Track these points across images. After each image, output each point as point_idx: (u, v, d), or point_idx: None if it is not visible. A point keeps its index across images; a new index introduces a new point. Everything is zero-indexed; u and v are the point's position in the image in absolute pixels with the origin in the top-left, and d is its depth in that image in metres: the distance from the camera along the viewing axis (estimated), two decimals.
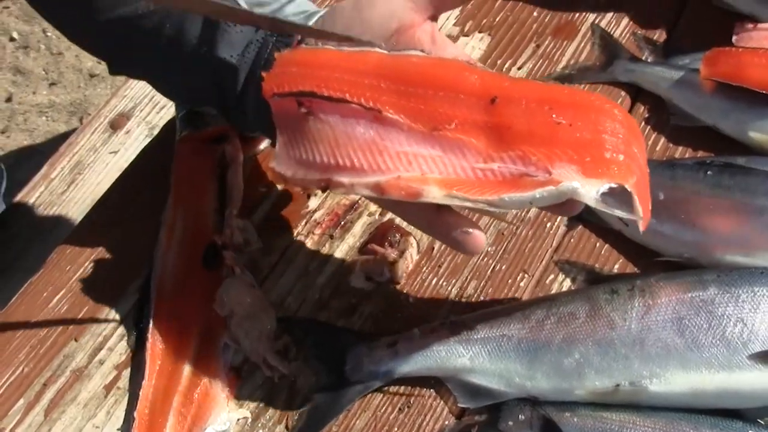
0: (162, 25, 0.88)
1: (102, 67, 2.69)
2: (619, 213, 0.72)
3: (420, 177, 0.73)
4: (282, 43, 0.85)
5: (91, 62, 2.73)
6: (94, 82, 2.66)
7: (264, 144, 1.10)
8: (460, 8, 1.23)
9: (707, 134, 1.09)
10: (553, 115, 0.73)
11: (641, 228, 0.74)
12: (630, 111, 1.13)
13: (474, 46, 1.19)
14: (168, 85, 0.96)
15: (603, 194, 0.71)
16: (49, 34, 2.76)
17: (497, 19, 1.21)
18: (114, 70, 0.99)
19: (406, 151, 0.74)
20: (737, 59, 1.11)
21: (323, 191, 0.81)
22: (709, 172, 1.01)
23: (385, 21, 0.81)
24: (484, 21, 1.21)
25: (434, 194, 0.73)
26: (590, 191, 0.71)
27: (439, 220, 0.78)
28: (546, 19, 1.22)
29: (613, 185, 0.71)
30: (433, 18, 0.84)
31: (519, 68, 1.17)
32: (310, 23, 0.84)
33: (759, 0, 1.19)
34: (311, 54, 0.79)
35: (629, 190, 0.71)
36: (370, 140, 0.75)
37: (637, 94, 1.14)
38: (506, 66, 1.17)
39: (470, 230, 0.77)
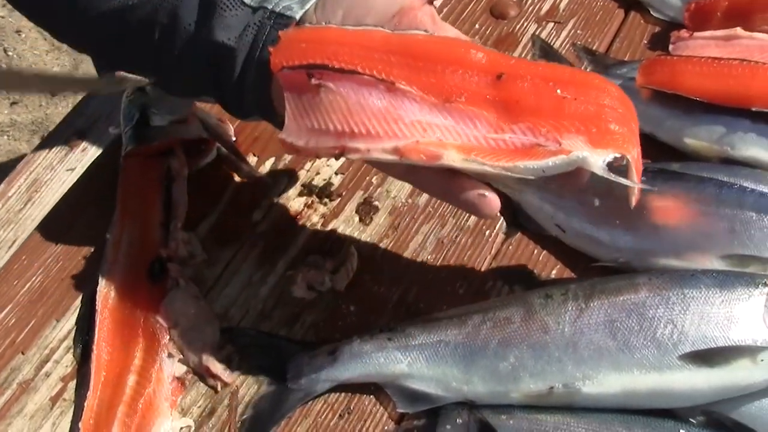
0: (155, 14, 0.88)
1: None
2: (622, 181, 0.77)
3: (438, 142, 0.77)
4: (281, 24, 0.85)
5: None
6: (56, 101, 2.68)
7: (209, 158, 1.13)
8: None
9: (644, 142, 1.10)
10: (558, 90, 0.77)
11: (633, 203, 0.81)
12: None
13: None
14: (162, 75, 0.95)
15: (609, 163, 0.76)
16: (10, 53, 2.78)
17: None
18: (104, 65, 0.98)
19: (420, 120, 0.77)
20: (672, 67, 1.14)
21: (337, 158, 0.82)
22: (643, 178, 1.04)
23: (387, 3, 0.83)
24: None
25: (453, 158, 0.76)
26: (598, 160, 0.75)
27: (455, 184, 0.80)
28: (488, 31, 1.26)
29: (617, 155, 0.76)
30: (430, 1, 0.86)
31: None
32: (309, 4, 0.86)
33: None
34: (318, 31, 0.81)
35: (630, 160, 0.76)
36: (384, 109, 0.78)
37: None
38: None
39: (486, 193, 0.80)
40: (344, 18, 0.82)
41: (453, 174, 0.80)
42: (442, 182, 0.81)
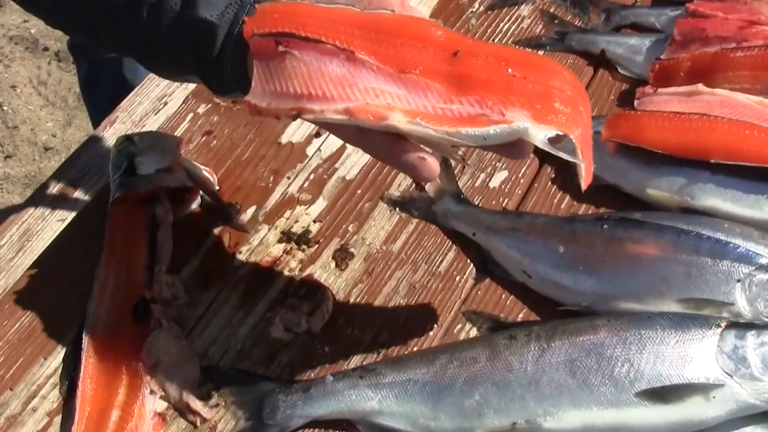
0: None
1: (56, 140, 2.79)
2: (565, 156, 0.83)
3: (387, 105, 0.83)
4: (260, 3, 0.91)
5: (46, 136, 2.83)
6: (49, 155, 2.76)
7: (193, 205, 1.20)
8: None
9: (609, 193, 1.20)
10: (509, 69, 0.84)
11: (583, 185, 0.86)
12: (537, 172, 1.24)
13: None
14: (148, 54, 1.01)
15: (550, 138, 0.82)
16: (5, 108, 2.86)
17: None
18: (92, 45, 1.02)
19: (374, 87, 0.84)
20: (636, 122, 1.22)
21: (294, 119, 0.88)
22: (605, 226, 1.11)
23: None
24: None
25: (398, 119, 0.82)
26: (539, 134, 0.82)
27: (398, 147, 0.86)
28: None
29: (559, 132, 0.82)
30: None
31: None
32: None
33: None
34: (291, 5, 0.88)
35: (572, 139, 0.82)
36: (341, 75, 0.84)
37: (545, 156, 1.25)
38: None
39: (426, 156, 0.85)
40: None
41: (398, 138, 0.85)
42: (387, 145, 0.86)
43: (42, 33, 3.07)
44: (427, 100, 0.84)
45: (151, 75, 1.42)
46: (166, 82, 1.39)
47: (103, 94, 2.17)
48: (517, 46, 1.38)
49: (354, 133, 0.87)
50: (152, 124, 1.33)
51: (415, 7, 0.94)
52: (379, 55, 0.84)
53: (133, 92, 1.40)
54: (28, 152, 2.77)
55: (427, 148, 0.86)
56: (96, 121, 2.19)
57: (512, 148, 0.84)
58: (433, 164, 0.86)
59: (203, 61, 0.94)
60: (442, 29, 0.86)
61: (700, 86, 1.26)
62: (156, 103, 1.37)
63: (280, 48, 0.85)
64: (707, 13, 1.37)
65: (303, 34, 0.85)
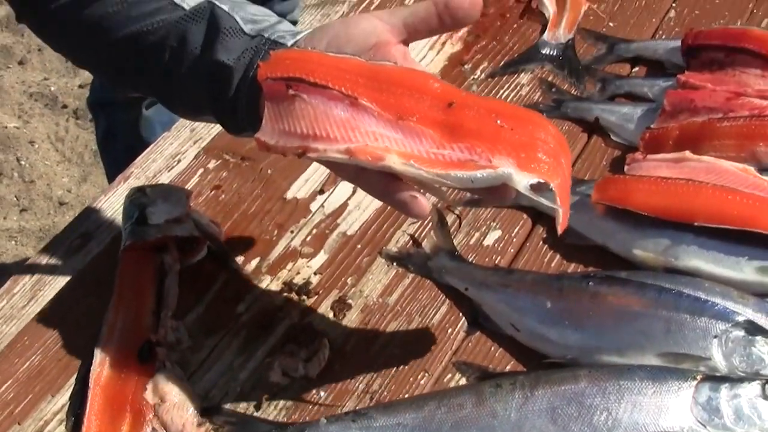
0: (166, 38, 1.04)
1: (71, 196, 2.88)
2: (544, 202, 0.91)
3: (384, 147, 0.92)
4: (274, 49, 1.01)
5: (61, 191, 2.92)
6: (64, 210, 2.85)
7: (200, 255, 1.27)
8: None
9: (597, 253, 1.27)
10: (498, 121, 0.92)
11: (559, 230, 0.94)
12: (530, 232, 1.31)
13: None
14: (167, 94, 1.10)
15: (533, 185, 0.90)
16: (22, 162, 2.96)
17: None
18: (117, 86, 1.11)
19: (374, 131, 0.92)
20: (624, 185, 1.29)
21: (299, 156, 0.95)
22: (591, 283, 1.18)
23: (366, 36, 0.99)
24: None
25: (394, 160, 0.91)
26: (522, 180, 0.90)
27: (393, 186, 0.93)
28: None
29: (541, 180, 0.90)
30: (405, 42, 1.02)
31: None
32: (300, 36, 1.03)
33: None
34: (302, 53, 0.98)
35: (552, 187, 0.90)
36: (345, 119, 0.93)
37: (538, 217, 1.32)
38: None
39: (417, 195, 0.93)
40: (328, 45, 0.99)
41: (394, 178, 0.93)
42: (383, 184, 0.94)
43: (61, 90, 3.18)
44: (422, 145, 0.92)
45: (166, 134, 1.50)
46: (181, 140, 1.47)
47: (119, 150, 2.27)
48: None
49: (353, 171, 0.96)
50: (165, 181, 1.41)
51: (415, 59, 1.02)
52: (380, 102, 0.93)
53: (148, 149, 1.48)
54: (43, 206, 2.86)
55: (419, 189, 0.94)
56: (111, 177, 2.27)
57: (497, 192, 0.93)
58: (423, 203, 0.93)
59: (219, 102, 1.03)
60: (439, 81, 0.95)
61: (688, 153, 1.33)
62: (169, 160, 1.45)
63: (290, 91, 0.94)
64: (697, 85, 1.44)
65: (312, 80, 0.94)
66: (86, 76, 3.18)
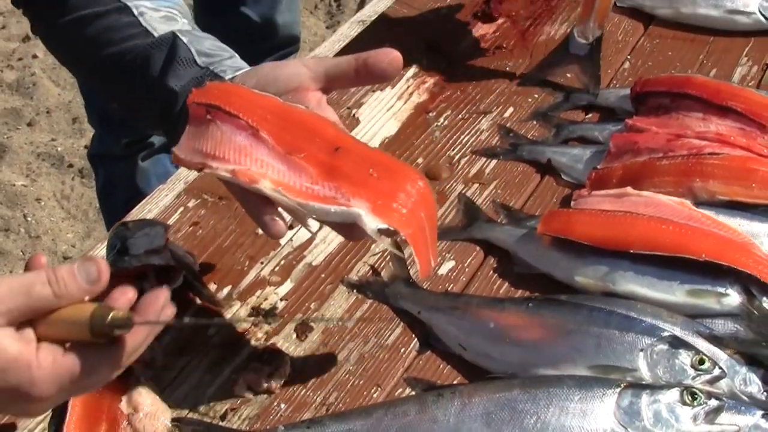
0: (136, 60, 1.23)
1: (75, 251, 3.02)
2: (389, 248, 1.09)
3: (261, 173, 1.06)
4: (215, 78, 1.19)
5: (65, 246, 3.06)
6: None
7: (176, 283, 1.40)
8: None
9: (543, 280, 1.39)
10: (370, 170, 1.06)
11: (420, 275, 1.11)
12: (482, 263, 1.43)
13: None
14: (130, 106, 1.33)
15: (381, 230, 1.03)
16: (29, 219, 3.11)
17: None
18: (101, 97, 1.44)
19: (263, 159, 1.08)
20: (567, 218, 1.42)
21: (198, 171, 1.11)
22: (530, 305, 1.30)
23: (289, 79, 1.15)
24: None
25: (266, 186, 1.06)
26: (371, 222, 1.03)
27: (263, 208, 1.08)
28: None
29: (390, 228, 1.03)
30: (324, 90, 1.18)
31: None
32: (238, 72, 1.19)
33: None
34: (230, 86, 1.15)
35: (402, 236, 1.04)
36: (243, 146, 1.09)
37: (489, 249, 1.45)
38: None
39: (277, 219, 1.08)
40: (257, 83, 1.15)
41: (267, 201, 1.08)
42: (256, 204, 1.09)
43: (67, 151, 3.35)
44: (299, 178, 1.07)
45: (161, 186, 1.63)
46: (175, 192, 1.59)
47: (117, 201, 2.42)
48: (473, 155, 1.60)
49: (239, 190, 1.11)
50: None
51: (330, 107, 1.17)
52: (277, 137, 1.08)
53: (144, 201, 1.60)
54: (48, 261, 2.99)
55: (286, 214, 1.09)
56: (110, 226, 2.42)
57: (350, 229, 1.07)
58: (281, 226, 1.08)
59: (166, 120, 1.21)
60: (336, 129, 1.10)
61: (629, 189, 1.45)
62: (164, 210, 1.57)
63: (208, 116, 1.10)
64: (643, 128, 1.58)
65: (227, 109, 1.10)
66: (91, 136, 3.35)
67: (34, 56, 3.68)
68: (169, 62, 1.20)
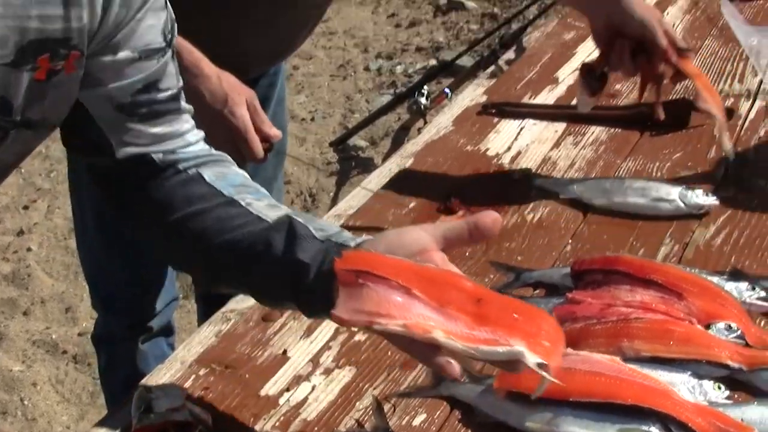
0: (255, 245, 1.37)
1: None
2: (544, 374, 1.28)
3: (431, 325, 1.22)
4: (341, 249, 1.32)
5: (60, 428, 3.32)
6: None
7: None
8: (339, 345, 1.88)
9: (500, 428, 1.69)
10: (514, 314, 1.29)
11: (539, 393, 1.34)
12: (448, 416, 1.74)
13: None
14: (253, 287, 1.44)
15: (539, 364, 1.27)
16: (25, 402, 3.38)
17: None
18: (207, 282, 1.53)
19: (422, 314, 1.23)
20: (519, 375, 1.73)
21: (366, 328, 1.29)
22: None
23: (414, 243, 1.31)
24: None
25: (439, 335, 1.21)
26: (531, 358, 1.26)
27: (434, 353, 1.24)
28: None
29: (543, 362, 1.27)
30: (444, 250, 1.33)
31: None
32: (361, 240, 1.36)
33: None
34: (368, 254, 1.30)
35: (548, 365, 1.28)
36: (401, 304, 1.23)
37: (454, 403, 1.76)
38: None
39: (451, 361, 1.24)
40: (385, 249, 1.30)
41: (435, 348, 1.23)
42: (427, 351, 1.25)
43: (61, 338, 3.64)
44: (458, 326, 1.26)
45: (159, 365, 1.93)
46: (173, 370, 1.89)
47: (117, 381, 2.71)
48: None
49: (405, 341, 1.26)
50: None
51: (452, 264, 1.38)
52: (427, 293, 1.25)
53: (144, 380, 1.87)
54: None
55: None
56: (110, 404, 2.71)
57: (512, 364, 1.29)
58: (456, 367, 1.27)
59: (298, 292, 1.36)
60: (471, 282, 1.32)
61: (569, 350, 1.78)
62: (178, 379, 1.85)
63: (360, 280, 1.26)
64: (581, 300, 1.92)
65: (376, 273, 1.25)
66: (84, 325, 3.67)
67: (29, 249, 4.02)
68: (292, 240, 1.35)
